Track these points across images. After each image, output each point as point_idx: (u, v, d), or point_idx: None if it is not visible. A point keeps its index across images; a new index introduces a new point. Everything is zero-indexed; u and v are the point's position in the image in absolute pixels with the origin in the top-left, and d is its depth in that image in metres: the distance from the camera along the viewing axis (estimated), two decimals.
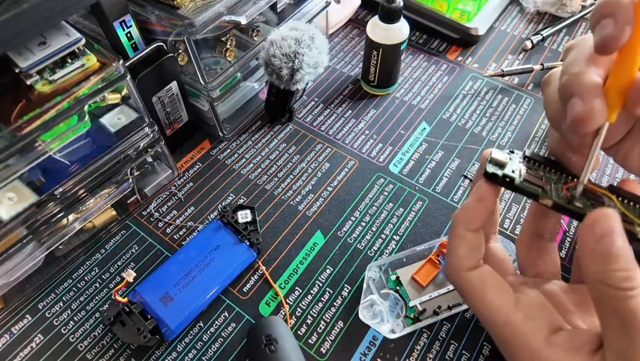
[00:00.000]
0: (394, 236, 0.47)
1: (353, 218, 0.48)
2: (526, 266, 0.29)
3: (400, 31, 0.54)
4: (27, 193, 0.39)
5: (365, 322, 0.40)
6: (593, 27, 0.21)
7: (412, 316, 0.40)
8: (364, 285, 0.41)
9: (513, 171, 0.25)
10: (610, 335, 0.21)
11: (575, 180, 0.26)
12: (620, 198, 0.25)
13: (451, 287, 0.41)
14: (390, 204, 0.49)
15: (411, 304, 0.40)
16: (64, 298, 0.43)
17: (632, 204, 0.25)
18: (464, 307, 0.40)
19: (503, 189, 0.26)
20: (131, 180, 0.45)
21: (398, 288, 0.41)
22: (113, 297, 0.42)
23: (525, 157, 0.26)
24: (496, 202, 0.26)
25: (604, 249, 0.21)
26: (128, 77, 0.39)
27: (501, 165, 0.25)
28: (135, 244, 0.46)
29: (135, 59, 0.43)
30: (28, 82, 0.36)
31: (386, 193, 0.50)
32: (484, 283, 0.25)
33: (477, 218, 0.26)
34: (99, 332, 0.41)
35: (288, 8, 0.55)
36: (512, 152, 0.27)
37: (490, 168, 0.25)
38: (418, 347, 0.40)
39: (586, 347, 0.22)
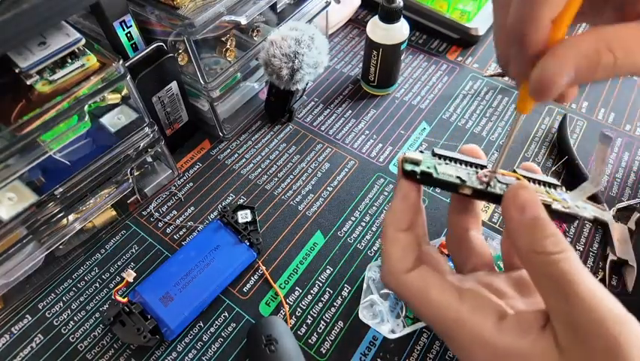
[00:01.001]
0: None
1: (353, 218, 0.48)
2: (460, 264, 0.30)
3: (400, 31, 0.54)
4: (27, 193, 0.39)
5: (365, 322, 0.40)
6: None
7: (412, 316, 0.40)
8: (364, 285, 0.41)
9: (428, 167, 0.26)
10: (551, 305, 0.22)
11: (485, 169, 0.27)
12: (526, 178, 0.27)
13: None
14: None
15: None
16: (64, 298, 0.43)
17: (537, 182, 0.27)
18: None
19: (422, 186, 0.27)
20: (131, 180, 0.45)
21: None
22: (113, 297, 0.42)
23: (435, 154, 0.27)
24: (419, 200, 0.27)
25: (529, 219, 0.22)
26: (128, 77, 0.39)
27: (416, 163, 0.26)
28: (135, 244, 0.46)
29: (135, 59, 0.43)
30: (28, 82, 0.36)
31: (386, 193, 0.50)
32: (426, 283, 0.25)
33: (405, 217, 0.26)
34: (99, 332, 0.41)
35: (288, 8, 0.55)
36: (422, 152, 0.28)
37: (408, 166, 0.26)
38: (418, 347, 0.40)
39: (534, 326, 0.22)
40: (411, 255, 0.26)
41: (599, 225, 0.48)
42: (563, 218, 0.25)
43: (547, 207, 0.25)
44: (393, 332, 0.39)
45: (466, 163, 0.27)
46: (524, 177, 0.27)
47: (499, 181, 0.26)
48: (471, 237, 0.29)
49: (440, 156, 0.27)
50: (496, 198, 0.25)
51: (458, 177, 0.26)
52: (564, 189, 0.28)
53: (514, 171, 0.27)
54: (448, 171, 0.26)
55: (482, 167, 0.27)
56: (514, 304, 0.25)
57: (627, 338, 0.19)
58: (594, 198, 0.48)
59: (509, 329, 0.22)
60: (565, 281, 0.21)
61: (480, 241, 0.30)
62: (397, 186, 0.26)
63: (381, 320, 0.39)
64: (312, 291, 0.43)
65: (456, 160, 0.27)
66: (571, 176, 0.51)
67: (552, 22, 0.20)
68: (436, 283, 0.25)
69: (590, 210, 0.26)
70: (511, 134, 0.25)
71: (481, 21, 0.66)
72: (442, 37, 0.68)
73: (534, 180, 0.27)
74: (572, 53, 0.20)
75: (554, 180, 0.28)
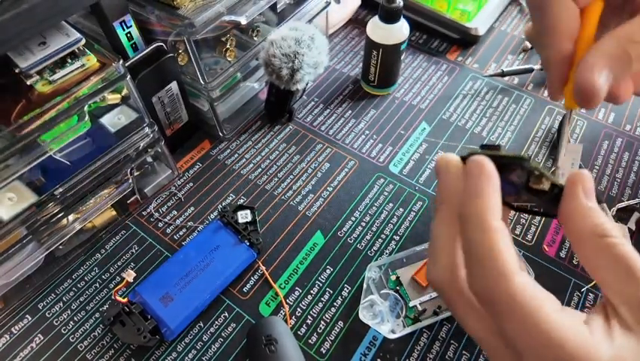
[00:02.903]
0: (394, 236, 0.47)
1: (353, 218, 0.48)
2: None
3: (400, 31, 0.54)
4: (27, 193, 0.39)
5: (365, 322, 0.40)
6: None
7: (412, 316, 0.40)
8: (364, 285, 0.41)
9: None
10: (615, 288, 0.21)
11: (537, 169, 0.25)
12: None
13: None
14: (390, 205, 0.49)
15: (411, 304, 0.40)
16: (64, 299, 0.43)
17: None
18: None
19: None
20: (130, 180, 0.45)
21: (398, 288, 0.41)
22: (113, 297, 0.42)
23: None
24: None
25: (593, 205, 0.22)
26: (128, 77, 0.39)
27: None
28: (135, 244, 0.46)
29: (135, 59, 0.43)
30: (28, 82, 0.36)
31: (386, 193, 0.50)
32: (534, 289, 0.21)
33: (498, 205, 0.23)
34: (99, 332, 0.41)
35: (288, 8, 0.55)
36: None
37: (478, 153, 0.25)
38: (418, 347, 0.40)
39: (599, 325, 0.21)
40: (513, 251, 0.22)
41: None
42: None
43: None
44: (393, 332, 0.39)
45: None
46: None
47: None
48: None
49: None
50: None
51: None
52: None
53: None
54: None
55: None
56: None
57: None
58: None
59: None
60: (630, 262, 0.21)
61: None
62: (483, 166, 0.23)
63: (382, 320, 0.39)
64: (312, 291, 0.43)
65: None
66: None
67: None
68: (543, 295, 0.21)
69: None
70: (567, 131, 0.25)
71: (481, 21, 0.66)
72: (442, 37, 0.68)
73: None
74: (599, 54, 0.22)
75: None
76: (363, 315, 0.40)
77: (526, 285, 0.21)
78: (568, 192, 0.23)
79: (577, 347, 0.19)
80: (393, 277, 0.42)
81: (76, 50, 0.37)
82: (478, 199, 0.22)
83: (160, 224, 0.48)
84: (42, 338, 0.41)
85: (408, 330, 0.39)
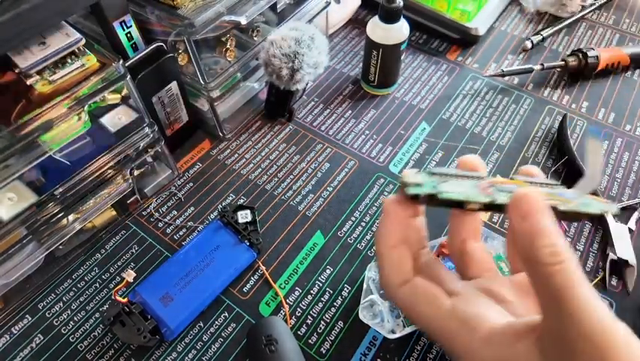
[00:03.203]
0: None
1: (353, 218, 0.48)
2: (463, 270, 0.30)
3: (400, 31, 0.54)
4: (27, 193, 0.39)
5: (365, 322, 0.40)
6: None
7: None
8: (364, 285, 0.41)
9: (433, 187, 0.25)
10: (545, 315, 0.21)
11: (486, 179, 0.27)
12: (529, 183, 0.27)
13: None
14: None
15: None
16: (64, 299, 0.43)
17: (537, 185, 0.27)
18: None
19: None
20: (130, 180, 0.45)
21: None
22: (113, 297, 0.41)
23: (432, 174, 0.27)
24: (407, 217, 0.27)
25: (529, 226, 0.21)
26: (127, 77, 0.39)
27: (418, 185, 0.25)
28: (135, 244, 0.46)
29: (135, 59, 0.43)
30: (28, 82, 0.36)
31: (386, 193, 0.50)
32: (415, 298, 0.25)
33: (392, 235, 0.26)
34: (99, 332, 0.41)
35: (288, 8, 0.55)
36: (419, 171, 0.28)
37: (411, 190, 0.25)
38: (418, 348, 0.40)
39: (524, 335, 0.22)
40: (402, 269, 0.26)
41: (600, 225, 0.48)
42: (571, 218, 0.25)
43: (554, 209, 0.24)
44: (393, 332, 0.39)
45: (463, 177, 0.27)
46: (524, 182, 0.27)
47: (501, 190, 0.25)
48: (469, 248, 0.29)
49: (437, 175, 0.27)
50: (502, 209, 0.25)
51: (463, 195, 0.25)
52: (565, 188, 0.27)
53: (512, 179, 0.27)
54: (452, 189, 0.25)
55: (479, 178, 0.27)
56: (514, 309, 0.25)
57: (614, 350, 0.19)
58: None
59: (497, 340, 0.22)
60: (557, 295, 0.20)
61: (479, 251, 0.30)
62: (384, 205, 0.27)
63: (381, 321, 0.39)
64: (312, 291, 0.43)
65: (455, 176, 0.27)
66: (571, 176, 0.51)
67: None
68: (423, 298, 0.25)
69: (596, 206, 0.26)
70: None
71: (481, 21, 0.66)
72: (442, 37, 0.68)
73: (534, 184, 0.27)
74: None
75: (554, 181, 0.28)
76: (363, 315, 0.40)
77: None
78: (509, 218, 0.23)
79: None
80: None
81: (76, 50, 0.37)
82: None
83: (160, 224, 0.48)
84: (42, 338, 0.41)
85: (408, 330, 0.39)
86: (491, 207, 0.25)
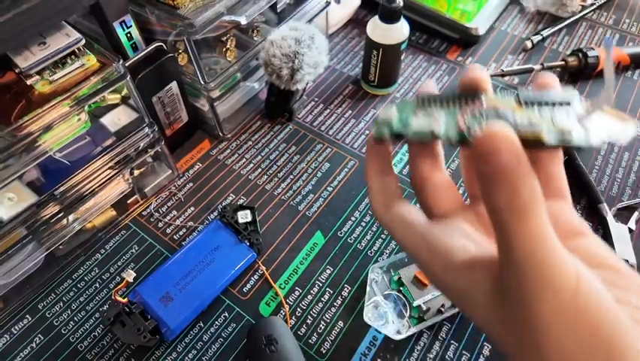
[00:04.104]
0: None
1: (353, 218, 0.48)
2: (427, 209, 0.29)
3: (400, 31, 0.54)
4: (27, 193, 0.39)
5: (370, 324, 0.39)
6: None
7: (416, 316, 0.40)
8: (367, 287, 0.41)
9: (401, 125, 0.24)
10: (499, 253, 0.20)
11: (470, 102, 0.24)
12: (524, 103, 0.23)
13: None
14: None
15: (415, 303, 0.40)
16: (64, 299, 0.43)
17: (537, 105, 0.23)
18: None
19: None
20: (130, 180, 0.45)
21: (401, 288, 0.41)
22: (113, 297, 0.41)
23: (421, 101, 0.25)
24: (387, 153, 0.28)
25: (489, 169, 0.19)
26: (127, 78, 0.39)
27: (389, 123, 0.24)
28: (135, 244, 0.46)
29: (135, 59, 0.43)
30: (29, 82, 0.36)
31: None
32: (394, 223, 0.27)
33: (372, 168, 0.28)
34: (99, 332, 0.41)
35: (288, 8, 0.55)
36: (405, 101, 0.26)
37: (377, 132, 0.24)
38: (419, 347, 0.40)
39: (484, 264, 0.22)
40: (384, 197, 0.28)
41: (600, 224, 0.47)
42: (564, 148, 0.21)
43: (537, 141, 0.21)
44: (399, 332, 0.39)
45: (450, 102, 0.24)
46: (526, 103, 0.23)
47: (484, 116, 0.23)
48: (433, 183, 0.28)
49: (426, 102, 0.24)
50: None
51: (431, 132, 0.23)
52: (580, 99, 0.23)
53: (519, 100, 0.23)
54: (420, 125, 0.23)
55: (477, 97, 0.24)
56: (480, 241, 0.24)
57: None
58: (594, 198, 0.48)
59: (455, 268, 0.23)
60: (510, 244, 0.19)
61: (444, 184, 0.28)
62: (367, 142, 0.28)
63: (386, 322, 0.39)
64: (312, 291, 0.43)
65: (441, 102, 0.24)
66: (572, 176, 0.51)
67: None
68: (402, 223, 0.26)
69: (602, 133, 0.21)
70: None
71: (481, 21, 0.66)
72: (442, 37, 0.68)
73: (533, 105, 0.23)
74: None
75: (567, 97, 0.23)
76: (368, 317, 0.40)
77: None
78: (473, 155, 0.20)
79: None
80: (395, 278, 0.42)
81: (76, 50, 0.37)
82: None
83: (160, 224, 0.48)
84: (42, 338, 0.41)
85: (413, 330, 0.39)
86: (462, 143, 0.23)
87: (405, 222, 0.27)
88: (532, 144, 0.21)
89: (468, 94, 0.24)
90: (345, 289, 0.43)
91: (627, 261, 0.44)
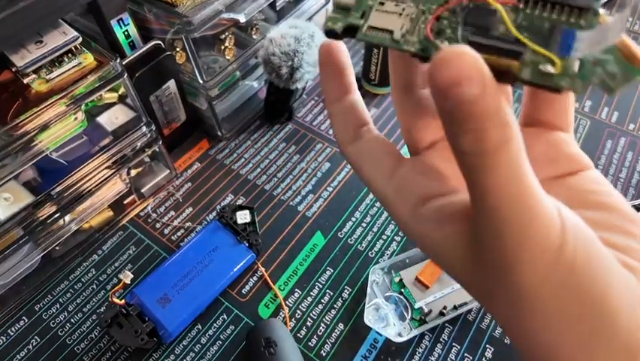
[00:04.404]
0: (395, 237, 0.46)
1: (354, 219, 0.48)
2: (412, 138, 0.25)
3: None
4: (23, 193, 0.38)
5: (371, 326, 0.39)
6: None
7: (418, 318, 0.39)
8: (368, 289, 0.41)
9: (362, 16, 0.19)
10: (471, 204, 0.17)
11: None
12: (527, 10, 0.17)
13: (456, 286, 0.40)
14: None
15: (416, 305, 0.40)
16: (60, 300, 0.42)
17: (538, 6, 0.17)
18: (469, 307, 0.40)
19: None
20: (128, 180, 0.45)
21: (402, 290, 0.41)
22: (110, 299, 0.41)
23: None
24: (340, 63, 0.23)
25: (449, 107, 0.15)
26: (125, 76, 0.39)
27: (347, 10, 0.19)
28: (132, 245, 0.46)
29: (132, 57, 0.43)
30: (25, 81, 0.36)
31: None
32: (361, 156, 0.24)
33: (331, 88, 0.23)
34: (96, 334, 0.40)
35: (288, 6, 0.55)
36: None
37: (329, 23, 0.19)
38: (420, 350, 0.39)
39: (456, 216, 0.19)
40: (348, 126, 0.24)
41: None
42: (540, 87, 0.16)
43: (509, 73, 0.16)
44: (400, 335, 0.38)
45: None
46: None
47: (467, 22, 0.17)
48: (417, 96, 0.24)
49: None
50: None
51: (391, 35, 0.18)
52: (599, 13, 0.16)
53: None
54: (382, 22, 0.18)
55: None
56: (451, 186, 0.21)
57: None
58: None
59: (427, 217, 0.20)
60: (480, 192, 0.16)
61: (428, 101, 0.24)
62: (319, 50, 0.23)
63: (387, 324, 0.39)
64: (312, 293, 0.43)
65: None
66: None
67: None
68: (370, 157, 0.23)
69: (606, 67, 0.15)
70: None
71: None
72: None
73: (541, 3, 0.17)
74: None
75: (586, 2, 0.16)
76: (369, 320, 0.39)
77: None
78: (429, 84, 0.15)
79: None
80: (396, 279, 0.41)
81: (73, 49, 0.37)
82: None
83: (158, 225, 0.48)
84: (38, 340, 0.40)
85: (415, 332, 0.39)
86: (426, 59, 0.17)
87: (373, 156, 0.23)
88: (503, 75, 0.16)
89: None
90: (346, 290, 0.43)
91: None
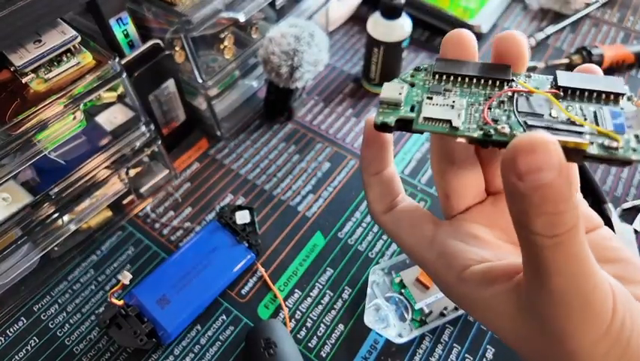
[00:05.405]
0: None
1: (354, 219, 0.48)
2: (447, 208, 0.26)
3: (401, 28, 0.53)
4: (22, 194, 0.38)
5: (371, 327, 0.39)
6: None
7: (418, 319, 0.39)
8: (368, 290, 0.41)
9: (413, 109, 0.20)
10: (526, 274, 0.19)
11: (517, 80, 0.20)
12: (567, 98, 0.19)
13: None
14: None
15: (417, 306, 0.39)
16: (59, 301, 0.42)
17: (581, 96, 0.19)
18: None
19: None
20: (127, 180, 0.45)
21: (402, 291, 0.41)
22: (108, 299, 0.41)
23: (436, 73, 0.21)
24: (386, 145, 0.25)
25: (526, 188, 0.15)
26: (124, 75, 0.39)
27: (396, 105, 0.20)
28: (131, 245, 0.46)
29: (131, 56, 0.43)
30: (24, 80, 0.35)
31: None
32: (398, 225, 0.25)
33: (372, 162, 0.25)
34: (95, 335, 0.40)
35: (288, 5, 0.55)
36: (419, 68, 0.21)
37: (380, 117, 0.20)
38: (420, 351, 0.39)
39: (504, 277, 0.20)
40: (386, 198, 0.26)
41: (605, 225, 0.47)
42: (605, 162, 0.18)
43: (578, 151, 0.17)
44: (400, 336, 0.38)
45: (484, 81, 0.20)
46: (566, 91, 0.20)
47: (521, 112, 0.19)
48: (453, 177, 0.25)
49: (442, 77, 0.20)
50: (504, 145, 0.18)
51: (449, 123, 0.19)
52: (633, 102, 0.19)
53: (557, 84, 0.20)
54: (436, 113, 0.19)
55: (508, 82, 0.20)
56: (498, 252, 0.22)
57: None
58: (598, 198, 0.48)
59: (474, 280, 0.21)
60: (544, 268, 0.17)
61: (472, 175, 0.25)
62: (365, 128, 0.24)
63: (388, 325, 0.39)
64: (311, 293, 0.43)
65: (468, 79, 0.20)
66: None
67: None
68: (407, 225, 0.24)
69: None
70: None
71: (484, 18, 0.65)
72: (444, 34, 0.67)
73: (581, 95, 0.20)
74: None
75: (618, 88, 0.19)
76: (369, 320, 0.39)
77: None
78: (501, 169, 0.16)
79: None
80: (397, 280, 0.41)
81: (72, 48, 0.37)
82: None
83: (157, 225, 0.47)
84: (37, 341, 0.40)
85: (415, 333, 0.38)
86: (487, 143, 0.19)
87: (410, 223, 0.24)
88: (571, 153, 0.17)
89: (496, 69, 0.20)
90: (346, 291, 0.43)
91: None
